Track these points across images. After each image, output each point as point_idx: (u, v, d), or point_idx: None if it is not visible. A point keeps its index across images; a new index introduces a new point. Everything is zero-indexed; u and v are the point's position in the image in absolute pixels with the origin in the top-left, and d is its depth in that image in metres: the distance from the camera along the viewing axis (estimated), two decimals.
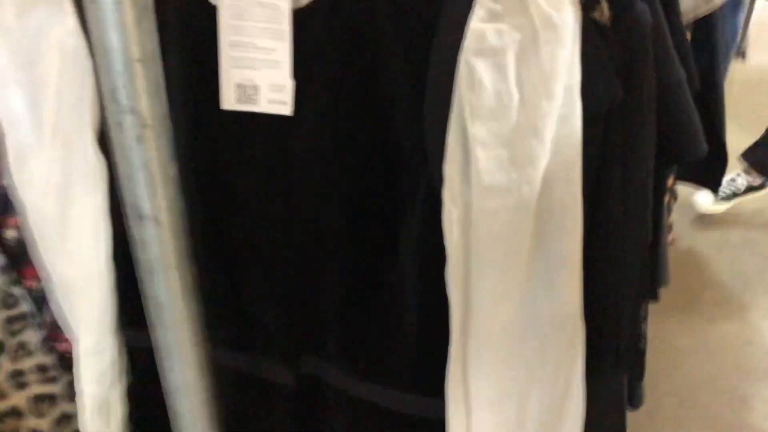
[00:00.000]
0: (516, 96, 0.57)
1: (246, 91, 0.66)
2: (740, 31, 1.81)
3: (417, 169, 0.63)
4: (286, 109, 0.65)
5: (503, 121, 0.58)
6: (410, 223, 0.66)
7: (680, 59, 0.70)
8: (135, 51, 0.50)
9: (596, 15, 0.60)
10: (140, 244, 0.55)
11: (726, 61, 1.64)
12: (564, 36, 0.56)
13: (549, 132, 0.58)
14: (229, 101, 0.66)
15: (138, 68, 0.51)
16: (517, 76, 0.57)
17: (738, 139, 1.90)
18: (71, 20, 0.62)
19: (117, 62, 0.50)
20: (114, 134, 0.52)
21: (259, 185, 0.70)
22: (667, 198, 1.18)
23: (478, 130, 0.58)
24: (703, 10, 1.06)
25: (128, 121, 0.52)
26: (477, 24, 0.56)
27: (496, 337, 0.65)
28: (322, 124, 0.66)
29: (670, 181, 1.30)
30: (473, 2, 0.56)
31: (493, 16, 0.57)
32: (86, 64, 0.63)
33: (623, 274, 0.68)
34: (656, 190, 0.73)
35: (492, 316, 0.63)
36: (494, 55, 0.57)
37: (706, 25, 1.16)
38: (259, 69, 0.65)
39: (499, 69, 0.57)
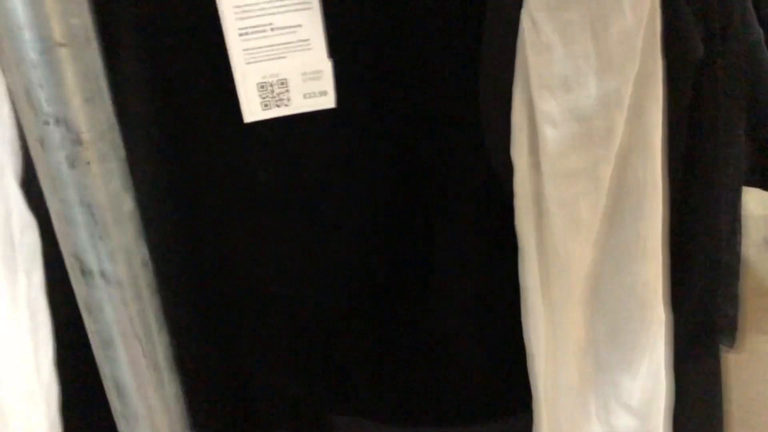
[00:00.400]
0: (594, 60, 0.46)
1: (272, 90, 0.49)
2: None
3: (471, 158, 0.51)
4: (328, 100, 0.49)
5: (579, 91, 0.47)
6: (461, 228, 0.53)
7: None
8: (56, 30, 0.34)
9: None
10: (86, 309, 0.38)
11: None
12: None
13: (629, 99, 0.48)
14: (252, 110, 0.49)
15: (63, 55, 0.34)
16: (593, 35, 0.46)
17: None
18: None
19: (29, 48, 0.34)
20: (36, 156, 0.36)
21: (274, 212, 0.52)
22: None
23: (547, 105, 0.47)
24: None
25: (55, 136, 0.35)
26: None
27: (577, 343, 0.55)
28: (369, 117, 0.50)
29: None
30: None
31: None
32: None
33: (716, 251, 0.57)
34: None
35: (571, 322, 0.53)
36: (565, 9, 0.45)
37: None
38: (284, 56, 0.48)
39: (572, 26, 0.45)
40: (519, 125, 0.47)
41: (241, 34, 0.46)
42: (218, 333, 0.54)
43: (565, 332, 0.53)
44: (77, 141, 0.35)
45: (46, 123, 0.35)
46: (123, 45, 0.45)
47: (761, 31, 0.59)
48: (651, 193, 0.51)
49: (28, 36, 0.33)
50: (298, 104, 0.49)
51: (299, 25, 0.47)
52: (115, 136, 0.37)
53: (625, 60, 0.47)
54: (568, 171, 0.48)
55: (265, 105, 0.49)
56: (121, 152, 0.37)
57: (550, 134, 0.47)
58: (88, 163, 0.36)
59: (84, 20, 0.34)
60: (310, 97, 0.49)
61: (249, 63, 0.48)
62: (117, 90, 0.38)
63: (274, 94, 0.49)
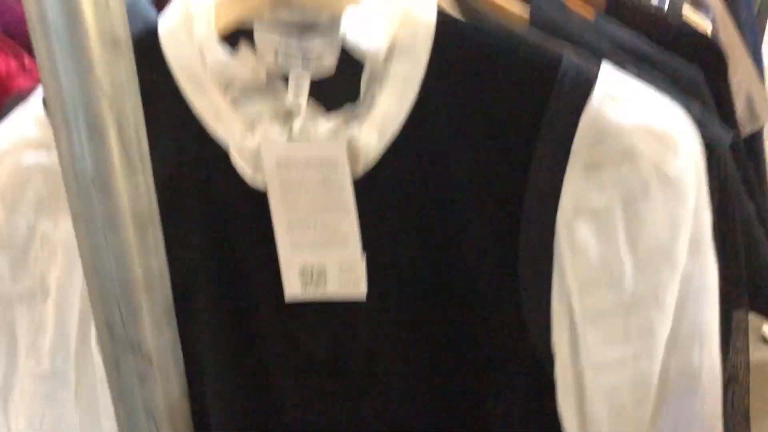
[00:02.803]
0: (629, 263, 0.49)
1: (311, 276, 0.54)
2: None
3: (515, 345, 0.53)
4: (359, 291, 0.53)
5: (614, 292, 0.50)
6: (510, 404, 0.56)
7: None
8: (137, 271, 0.39)
9: None
10: None
11: None
12: (682, 190, 0.48)
13: (671, 298, 0.51)
14: (293, 289, 0.54)
15: (142, 292, 0.39)
16: (627, 240, 0.49)
17: None
18: None
19: (114, 286, 0.39)
20: (109, 375, 0.41)
21: (317, 385, 0.57)
22: None
23: (584, 304, 0.50)
24: (748, 130, 1.03)
25: (129, 360, 0.40)
26: (574, 180, 0.48)
27: None
28: (394, 306, 0.54)
29: None
30: (569, 150, 0.47)
31: (591, 168, 0.48)
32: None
33: None
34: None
35: None
36: (598, 216, 0.49)
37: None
38: (323, 249, 0.53)
39: (606, 231, 0.49)
40: (558, 320, 0.51)
41: (288, 227, 0.52)
42: None
43: None
44: (148, 362, 0.40)
45: (123, 350, 0.40)
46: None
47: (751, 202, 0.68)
48: (707, 377, 0.54)
49: (114, 276, 0.39)
50: (334, 291, 0.54)
51: (338, 223, 0.52)
52: (178, 353, 0.42)
53: (661, 265, 0.50)
54: (607, 363, 0.52)
55: (304, 288, 0.54)
56: (181, 365, 0.42)
57: (589, 329, 0.51)
58: (155, 379, 0.41)
59: (160, 263, 0.40)
60: (345, 285, 0.54)
61: (294, 252, 0.53)
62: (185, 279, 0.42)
63: (314, 280, 0.54)
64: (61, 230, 0.51)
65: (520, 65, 0.48)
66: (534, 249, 0.51)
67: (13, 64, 0.78)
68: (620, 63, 0.53)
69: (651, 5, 0.81)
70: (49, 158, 0.50)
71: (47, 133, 0.46)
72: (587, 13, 0.75)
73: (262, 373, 0.56)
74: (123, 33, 0.35)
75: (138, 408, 0.41)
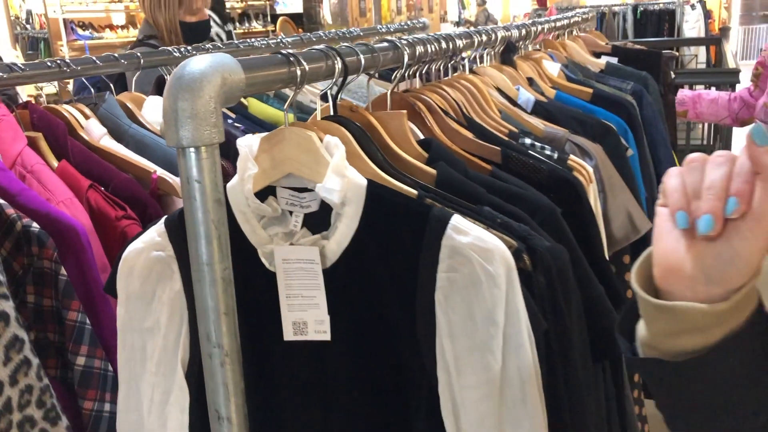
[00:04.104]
0: (473, 324, 0.85)
1: (299, 326, 0.94)
2: None
3: (420, 376, 0.89)
4: (326, 336, 0.94)
5: (467, 341, 0.85)
6: (420, 415, 0.91)
7: (598, 276, 1.05)
8: (222, 307, 0.80)
9: (521, 265, 0.89)
10: None
11: None
12: (498, 280, 0.84)
13: (497, 347, 0.85)
14: (288, 334, 0.94)
15: (223, 319, 0.80)
16: (470, 309, 0.85)
17: None
18: (177, 285, 0.94)
19: (211, 315, 0.79)
20: (205, 362, 0.81)
21: (302, 393, 0.97)
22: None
23: (452, 348, 0.86)
24: (633, 238, 1.42)
25: (216, 353, 0.80)
26: (442, 273, 0.86)
27: None
28: (348, 347, 0.94)
29: (636, 377, 1.53)
30: (438, 260, 0.86)
31: (450, 270, 0.86)
32: (185, 315, 0.94)
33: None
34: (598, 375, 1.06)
35: None
36: (456, 296, 0.85)
37: None
38: (306, 310, 0.94)
39: (460, 305, 0.85)
40: (439, 359, 0.86)
41: (287, 297, 0.93)
42: None
43: None
44: (225, 355, 0.80)
45: (213, 347, 0.80)
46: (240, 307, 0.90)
47: (600, 286, 1.05)
48: (525, 389, 0.87)
49: (210, 310, 0.79)
50: (312, 336, 0.95)
51: (314, 296, 0.93)
52: (240, 353, 0.82)
53: (488, 326, 0.84)
54: (469, 385, 0.86)
55: (295, 333, 0.95)
56: (240, 360, 0.82)
57: (455, 364, 0.86)
58: (228, 365, 0.80)
59: (233, 302, 0.81)
60: (318, 333, 0.95)
61: (289, 311, 0.94)
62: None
63: (300, 328, 0.95)
64: (169, 294, 0.92)
65: (410, 212, 0.90)
66: (424, 317, 0.87)
67: (120, 213, 1.20)
68: (492, 203, 0.98)
69: (534, 159, 1.24)
70: (164, 254, 0.91)
71: (164, 240, 0.89)
72: (484, 169, 1.19)
73: (270, 385, 0.96)
74: (222, 195, 0.77)
75: (219, 381, 0.80)
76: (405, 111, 1.14)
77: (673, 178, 0.62)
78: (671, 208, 0.62)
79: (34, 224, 1.10)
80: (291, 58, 0.89)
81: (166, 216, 0.98)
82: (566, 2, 7.94)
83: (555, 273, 0.95)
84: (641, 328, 0.66)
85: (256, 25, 8.97)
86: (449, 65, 1.55)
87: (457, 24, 13.07)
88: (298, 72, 0.89)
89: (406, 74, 1.31)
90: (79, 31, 7.06)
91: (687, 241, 0.61)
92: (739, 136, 3.85)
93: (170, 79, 0.73)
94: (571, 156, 1.40)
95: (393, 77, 1.22)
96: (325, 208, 0.92)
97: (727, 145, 4.06)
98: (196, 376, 0.95)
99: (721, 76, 4.39)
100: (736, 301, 0.60)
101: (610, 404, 1.24)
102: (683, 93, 3.00)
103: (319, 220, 0.93)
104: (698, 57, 6.80)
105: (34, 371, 1.03)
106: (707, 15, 7.63)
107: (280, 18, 9.17)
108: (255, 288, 0.94)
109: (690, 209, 0.61)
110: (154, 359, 0.96)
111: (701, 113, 2.95)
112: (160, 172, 1.36)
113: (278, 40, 2.46)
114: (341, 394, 0.95)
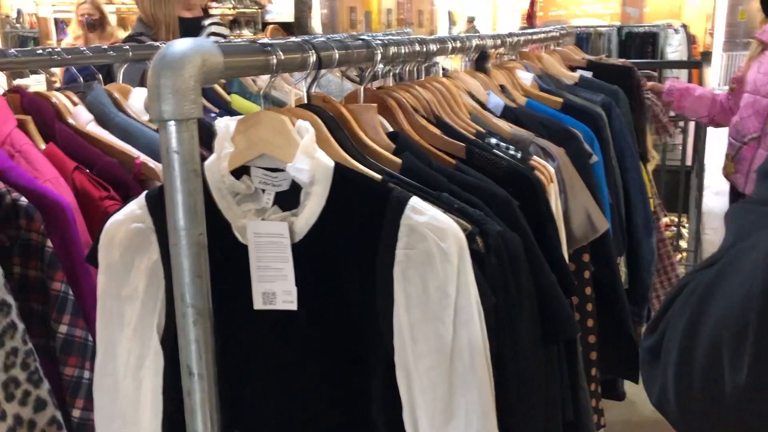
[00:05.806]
0: (427, 296, 0.93)
1: (268, 296, 1.02)
2: (656, 252, 2.20)
3: (377, 345, 0.97)
4: (293, 306, 1.02)
5: (421, 312, 0.93)
6: (377, 382, 0.99)
7: (552, 266, 1.14)
8: (196, 269, 0.87)
9: (474, 246, 0.97)
10: (186, 393, 0.88)
11: (649, 277, 2.05)
12: (450, 257, 0.92)
13: (449, 318, 0.93)
14: (258, 304, 1.02)
15: (197, 281, 0.87)
16: (425, 283, 0.93)
17: None
18: (155, 255, 1.01)
19: (186, 277, 0.87)
20: (179, 321, 0.88)
21: (270, 358, 1.04)
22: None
23: (407, 319, 0.94)
24: (592, 237, 1.52)
25: (189, 312, 0.87)
26: (400, 249, 0.94)
27: None
28: (313, 316, 1.02)
29: (593, 371, 1.61)
30: (396, 237, 0.94)
31: (408, 247, 0.94)
32: (161, 284, 1.01)
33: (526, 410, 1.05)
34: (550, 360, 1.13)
35: None
36: (413, 271, 0.93)
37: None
38: (275, 282, 1.01)
39: (416, 279, 0.93)
40: (396, 329, 0.94)
41: (258, 268, 1.01)
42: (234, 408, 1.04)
43: None
44: (198, 314, 0.87)
45: (187, 307, 0.87)
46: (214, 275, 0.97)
47: (552, 275, 1.14)
48: (480, 377, 0.95)
49: (185, 272, 0.87)
50: (280, 305, 1.02)
51: (282, 269, 1.01)
52: (211, 314, 0.89)
53: (441, 297, 0.93)
54: (421, 353, 0.93)
55: (264, 302, 1.02)
56: (212, 320, 0.89)
57: (410, 334, 0.94)
58: (199, 323, 0.88)
59: (205, 265, 0.88)
60: (285, 302, 1.02)
61: (260, 282, 1.01)
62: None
63: (269, 298, 1.02)
64: (147, 263, 1.00)
65: (373, 192, 0.98)
66: (383, 290, 0.94)
67: (104, 194, 1.28)
68: (452, 191, 1.06)
69: (497, 156, 1.33)
70: (144, 226, 0.99)
71: (144, 213, 0.97)
72: (448, 162, 1.28)
73: (239, 351, 1.03)
74: (198, 166, 0.85)
75: (191, 338, 0.87)
76: (376, 105, 1.22)
77: None
78: None
79: (23, 198, 1.16)
80: (268, 47, 0.97)
81: (146, 191, 1.05)
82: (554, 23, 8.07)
83: (506, 256, 1.03)
84: None
85: (247, 33, 9.06)
86: (422, 68, 1.64)
87: None
88: (274, 60, 0.97)
89: (380, 74, 1.39)
90: None
91: None
92: (714, 156, 3.93)
93: (155, 58, 0.81)
94: (534, 156, 1.49)
95: (365, 74, 1.30)
96: (296, 188, 1.00)
97: (701, 167, 4.17)
98: (171, 342, 1.02)
99: None
100: None
101: (564, 392, 1.32)
102: (674, 84, 3.09)
103: (290, 198, 1.00)
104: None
105: (19, 335, 1.10)
106: (691, 40, 7.80)
107: (270, 26, 9.27)
108: (229, 260, 1.01)
109: None
110: (131, 326, 1.03)
111: (683, 107, 3.04)
112: (144, 158, 1.43)
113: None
114: (305, 360, 1.03)
